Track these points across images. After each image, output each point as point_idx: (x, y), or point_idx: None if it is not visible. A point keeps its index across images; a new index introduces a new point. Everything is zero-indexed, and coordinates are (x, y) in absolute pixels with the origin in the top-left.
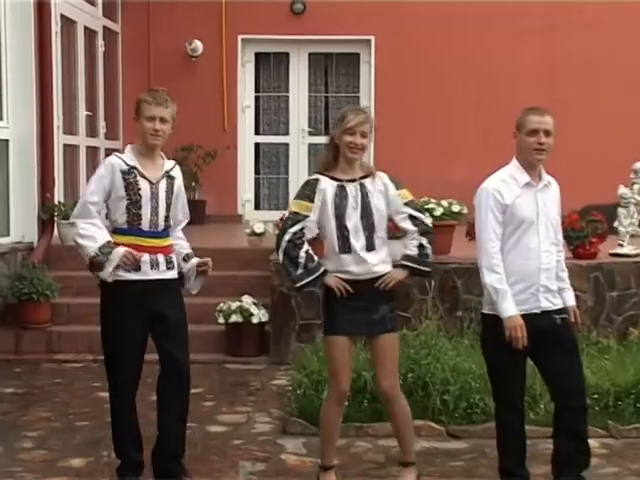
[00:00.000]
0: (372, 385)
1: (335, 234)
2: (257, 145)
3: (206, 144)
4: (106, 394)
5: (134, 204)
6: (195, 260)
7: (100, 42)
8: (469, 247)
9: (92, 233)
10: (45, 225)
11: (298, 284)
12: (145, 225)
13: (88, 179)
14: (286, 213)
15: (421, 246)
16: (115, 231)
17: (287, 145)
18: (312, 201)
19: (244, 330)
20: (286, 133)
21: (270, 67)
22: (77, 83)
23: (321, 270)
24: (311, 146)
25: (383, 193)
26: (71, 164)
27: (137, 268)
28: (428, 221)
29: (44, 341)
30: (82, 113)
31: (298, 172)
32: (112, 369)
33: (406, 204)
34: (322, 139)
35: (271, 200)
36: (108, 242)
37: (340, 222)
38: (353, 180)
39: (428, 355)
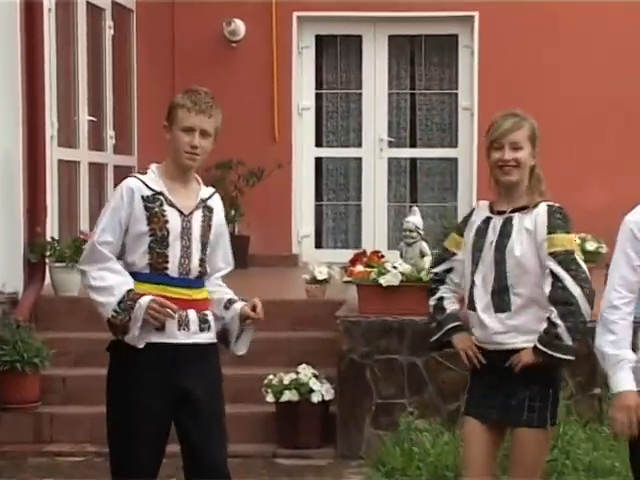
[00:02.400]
0: None
1: (468, 283)
2: (319, 161)
3: (250, 160)
4: None
5: (159, 242)
6: (240, 305)
7: (108, 23)
8: None
9: (107, 283)
10: (33, 270)
11: (430, 341)
12: (173, 270)
13: (91, 206)
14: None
15: (550, 321)
16: (136, 278)
17: (359, 160)
18: (462, 235)
19: (301, 412)
20: (358, 144)
21: (336, 55)
22: (77, 78)
23: (449, 325)
24: (392, 161)
25: (531, 233)
26: (69, 187)
27: (160, 327)
28: (573, 287)
29: (31, 427)
30: (84, 119)
31: (374, 197)
32: (120, 466)
33: (552, 254)
34: (407, 152)
35: (337, 235)
36: (129, 292)
37: (473, 267)
38: (504, 212)
39: (554, 448)
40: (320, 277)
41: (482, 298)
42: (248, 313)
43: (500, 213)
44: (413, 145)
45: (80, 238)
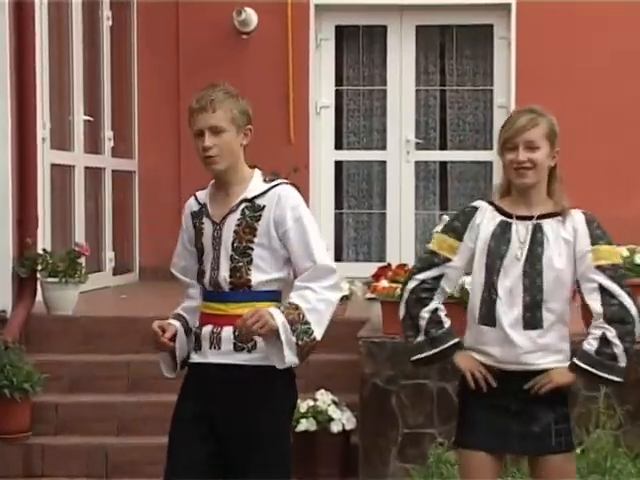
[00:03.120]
0: None
1: (479, 294)
2: (339, 165)
3: (262, 163)
4: None
5: (200, 256)
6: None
7: (106, 13)
8: None
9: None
10: (23, 285)
11: (413, 358)
12: (207, 283)
13: (87, 215)
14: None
15: (604, 340)
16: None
17: (384, 164)
18: (460, 239)
19: (320, 443)
20: (382, 146)
21: (359, 48)
22: (71, 74)
23: (449, 342)
24: (420, 165)
25: (570, 244)
26: (63, 193)
27: (197, 347)
28: (630, 305)
29: (20, 459)
30: (79, 119)
31: (400, 204)
32: None
33: (599, 268)
34: (437, 154)
35: (359, 247)
36: (173, 316)
37: (490, 276)
38: (527, 218)
39: None
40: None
41: (508, 313)
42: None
43: (522, 218)
44: (443, 147)
45: (75, 251)
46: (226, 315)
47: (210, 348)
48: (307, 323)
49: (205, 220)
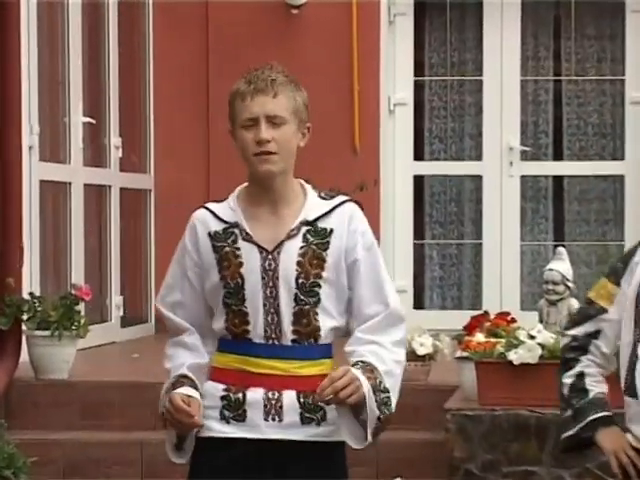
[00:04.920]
0: None
1: (626, 356)
2: (419, 181)
3: (319, 179)
4: None
5: (234, 294)
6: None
7: None
8: None
9: (170, 363)
10: (4, 340)
11: (562, 437)
12: (256, 333)
13: (88, 248)
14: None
15: None
16: (220, 348)
17: (479, 179)
18: (619, 283)
19: None
20: (477, 156)
21: (445, 26)
22: (67, 63)
23: (593, 415)
24: (527, 181)
25: None
26: (55, 219)
27: (240, 416)
28: None
29: None
30: (77, 121)
31: (501, 233)
32: None
33: None
34: (550, 166)
35: (447, 289)
36: (178, 379)
37: (638, 333)
38: None
39: None
40: (421, 351)
41: None
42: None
43: None
44: (558, 157)
45: (72, 295)
46: (288, 376)
47: (266, 419)
48: (386, 391)
49: (244, 245)
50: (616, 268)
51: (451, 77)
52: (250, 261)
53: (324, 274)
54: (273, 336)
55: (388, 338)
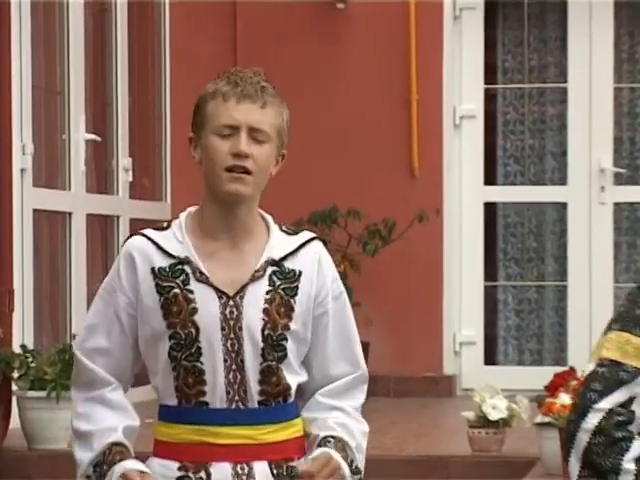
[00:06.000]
0: None
1: None
2: (491, 209)
3: (369, 208)
4: None
5: (185, 347)
6: (318, 453)
7: None
8: None
9: (88, 427)
10: None
11: None
12: (214, 396)
13: (90, 291)
14: (589, 365)
15: None
16: (160, 415)
17: (563, 208)
18: None
19: None
20: (561, 180)
21: (522, 23)
22: (67, 69)
23: None
24: (622, 209)
25: None
26: (53, 255)
27: None
28: None
29: None
30: (79, 138)
31: (590, 272)
32: None
33: None
34: None
35: (524, 341)
36: (110, 448)
37: None
38: None
39: None
40: (494, 416)
41: None
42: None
43: None
44: None
45: (72, 348)
46: (257, 445)
47: None
48: (358, 472)
49: (198, 287)
50: (636, 317)
51: (529, 84)
52: (207, 307)
53: (292, 325)
54: (236, 398)
55: (352, 403)
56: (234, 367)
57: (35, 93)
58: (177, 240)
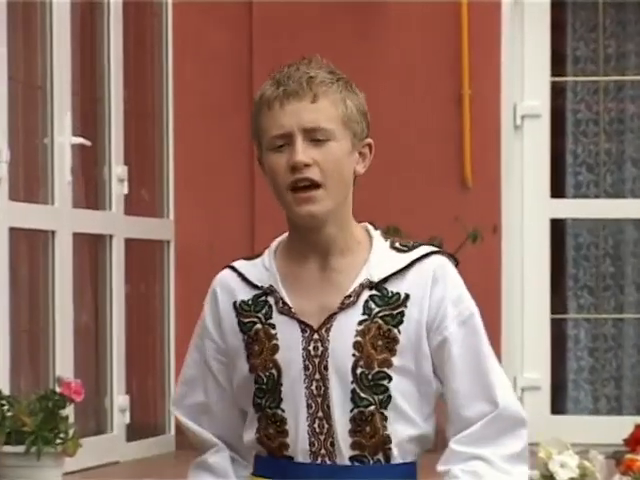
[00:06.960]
0: None
1: None
2: (558, 227)
3: (415, 226)
4: None
5: (267, 392)
6: None
7: None
8: None
9: None
10: None
11: None
12: (298, 448)
13: (78, 324)
14: None
15: None
16: (254, 469)
17: None
18: None
19: None
20: None
21: (597, 5)
22: (50, 60)
23: None
24: None
25: None
26: (33, 282)
27: None
28: None
29: None
30: (64, 142)
31: None
32: None
33: None
34: None
35: (599, 386)
36: None
37: None
38: None
39: None
40: (563, 476)
41: None
42: None
43: None
44: None
45: (56, 393)
46: None
47: None
48: None
49: (280, 320)
50: None
51: (605, 77)
52: (288, 344)
53: (395, 361)
54: (322, 452)
55: (499, 451)
56: (320, 414)
57: (12, 87)
58: (264, 267)
